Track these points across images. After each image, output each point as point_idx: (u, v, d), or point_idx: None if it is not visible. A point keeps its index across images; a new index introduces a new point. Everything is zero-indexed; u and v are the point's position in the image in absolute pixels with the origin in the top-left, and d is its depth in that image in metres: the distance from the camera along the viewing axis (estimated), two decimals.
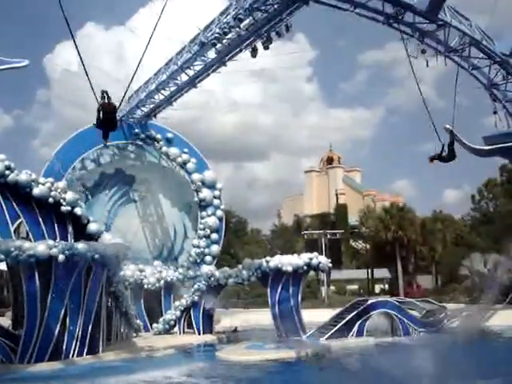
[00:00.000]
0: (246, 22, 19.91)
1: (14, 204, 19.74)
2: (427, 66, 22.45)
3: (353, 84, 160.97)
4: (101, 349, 20.51)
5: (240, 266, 27.30)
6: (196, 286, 26.92)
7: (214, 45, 21.28)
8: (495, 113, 25.14)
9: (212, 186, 30.49)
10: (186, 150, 30.76)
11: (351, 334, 24.59)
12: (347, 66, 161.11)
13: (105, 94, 13.84)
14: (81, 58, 13.30)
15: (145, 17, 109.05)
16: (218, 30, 20.60)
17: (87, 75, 13.28)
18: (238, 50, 21.90)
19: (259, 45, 20.59)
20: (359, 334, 24.69)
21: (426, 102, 19.78)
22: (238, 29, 20.12)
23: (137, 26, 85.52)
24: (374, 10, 20.37)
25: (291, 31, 19.89)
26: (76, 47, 13.15)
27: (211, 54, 22.70)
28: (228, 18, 20.30)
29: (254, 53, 20.81)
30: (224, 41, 21.10)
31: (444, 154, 18.81)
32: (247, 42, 21.07)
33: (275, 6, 18.98)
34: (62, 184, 21.03)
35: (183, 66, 24.02)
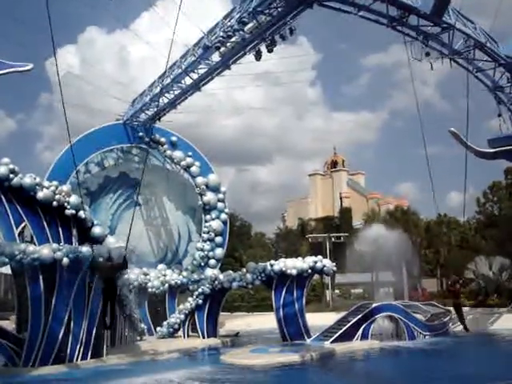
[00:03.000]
0: (250, 25, 19.94)
1: (18, 207, 19.63)
2: (432, 68, 22.49)
3: (356, 87, 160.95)
4: (105, 352, 20.48)
5: (244, 270, 27.28)
6: (200, 290, 26.89)
7: (218, 48, 21.30)
8: (500, 115, 25.17)
9: (216, 190, 30.40)
10: (190, 153, 30.67)
11: (356, 337, 24.49)
12: (350, 70, 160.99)
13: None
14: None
15: (148, 21, 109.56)
16: (222, 34, 20.63)
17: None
18: (242, 53, 21.93)
19: (263, 48, 20.61)
20: (364, 337, 24.58)
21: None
22: (242, 32, 20.15)
23: (140, 30, 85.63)
24: (378, 12, 20.42)
25: (295, 34, 19.93)
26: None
27: (215, 58, 22.75)
28: (232, 21, 20.34)
29: (258, 56, 20.87)
30: (228, 44, 21.14)
31: None
32: (251, 45, 21.10)
33: (279, 10, 19.00)
34: (66, 187, 21.00)
35: (187, 69, 24.05)
